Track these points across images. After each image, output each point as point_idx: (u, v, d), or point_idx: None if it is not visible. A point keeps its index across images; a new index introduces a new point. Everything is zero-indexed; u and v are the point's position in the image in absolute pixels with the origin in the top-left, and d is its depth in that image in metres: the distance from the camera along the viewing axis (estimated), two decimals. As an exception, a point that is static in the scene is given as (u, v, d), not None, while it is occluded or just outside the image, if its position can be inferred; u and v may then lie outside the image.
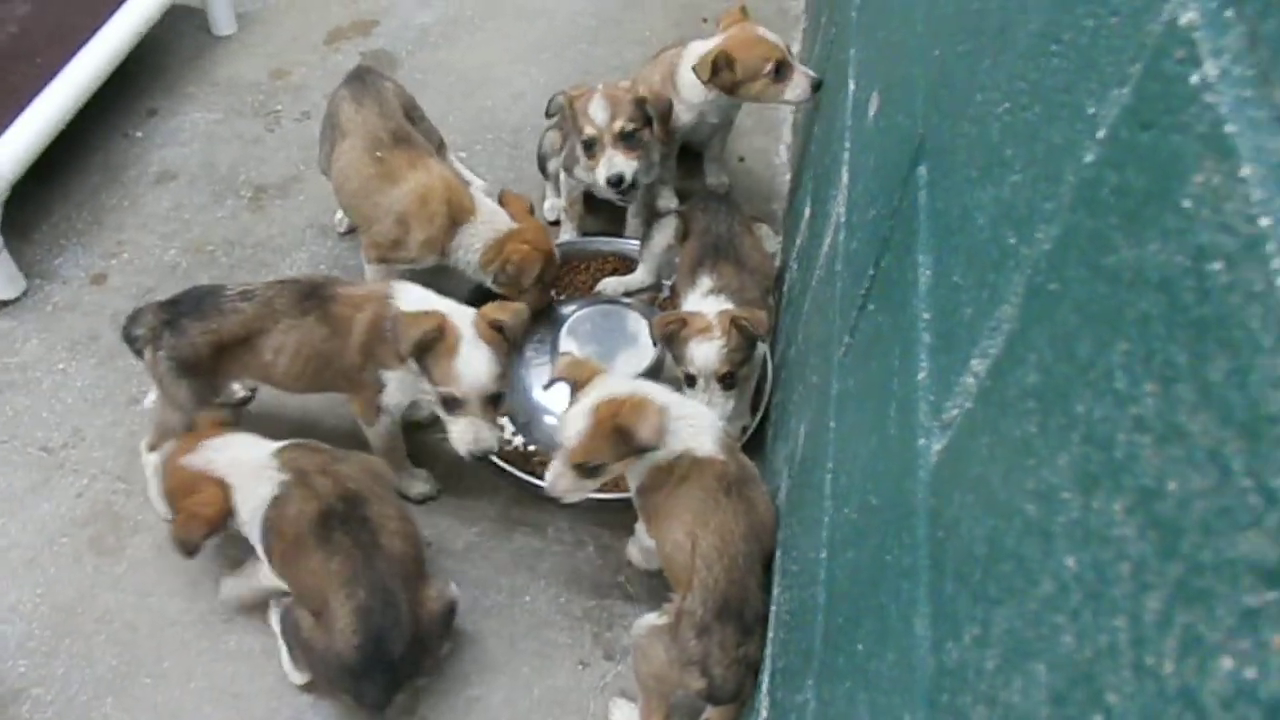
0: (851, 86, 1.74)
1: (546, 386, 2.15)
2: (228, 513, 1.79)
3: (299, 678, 1.87)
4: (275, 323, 1.93)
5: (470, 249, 2.24)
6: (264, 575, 1.84)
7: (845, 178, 1.63)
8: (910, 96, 1.14)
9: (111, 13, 2.72)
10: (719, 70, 2.28)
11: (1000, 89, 0.75)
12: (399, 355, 1.89)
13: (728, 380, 2.09)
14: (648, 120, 2.27)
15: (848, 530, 1.07)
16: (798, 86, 2.26)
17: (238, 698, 1.88)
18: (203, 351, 1.90)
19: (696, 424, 1.80)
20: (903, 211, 1.08)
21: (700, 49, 2.40)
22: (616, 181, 2.25)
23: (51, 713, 1.84)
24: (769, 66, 2.25)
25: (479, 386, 1.88)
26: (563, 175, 2.54)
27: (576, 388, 1.83)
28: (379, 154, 2.22)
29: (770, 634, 1.58)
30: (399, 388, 2.00)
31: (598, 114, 2.23)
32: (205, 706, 1.87)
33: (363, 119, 2.27)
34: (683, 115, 2.49)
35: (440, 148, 2.56)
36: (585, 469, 1.75)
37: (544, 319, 2.39)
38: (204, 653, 1.93)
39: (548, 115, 2.44)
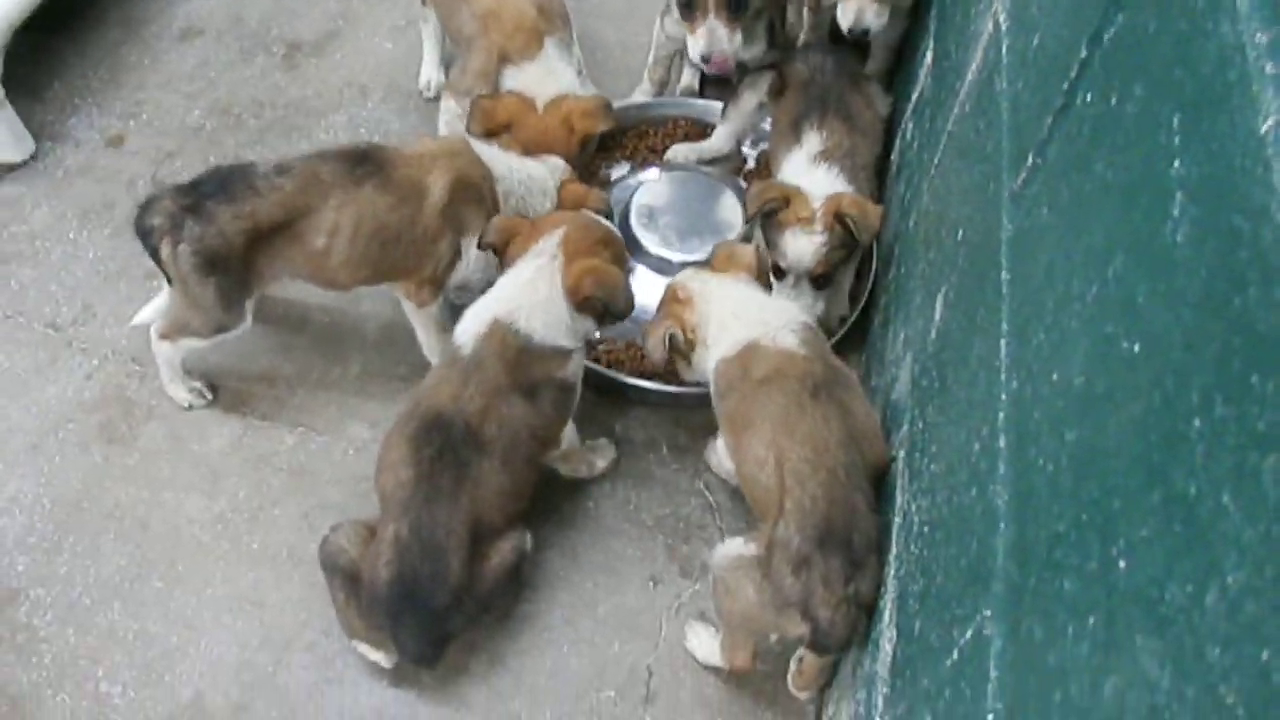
0: None
1: None
2: None
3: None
4: (324, 199, 1.64)
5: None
6: None
7: (1005, -22, 1.27)
8: None
9: None
10: None
11: None
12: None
13: (821, 281, 1.76)
14: None
15: (1063, 403, 0.75)
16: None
17: (260, 607, 1.64)
18: (235, 241, 1.60)
19: (768, 316, 1.51)
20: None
21: None
22: (710, 60, 1.85)
23: (51, 616, 1.62)
24: None
25: None
26: (657, 24, 2.15)
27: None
28: None
29: (894, 550, 1.27)
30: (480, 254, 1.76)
31: None
32: (224, 615, 1.63)
33: None
34: None
35: None
36: None
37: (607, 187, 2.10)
38: (223, 556, 1.69)
39: None
